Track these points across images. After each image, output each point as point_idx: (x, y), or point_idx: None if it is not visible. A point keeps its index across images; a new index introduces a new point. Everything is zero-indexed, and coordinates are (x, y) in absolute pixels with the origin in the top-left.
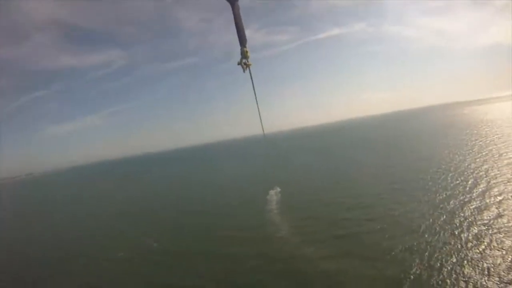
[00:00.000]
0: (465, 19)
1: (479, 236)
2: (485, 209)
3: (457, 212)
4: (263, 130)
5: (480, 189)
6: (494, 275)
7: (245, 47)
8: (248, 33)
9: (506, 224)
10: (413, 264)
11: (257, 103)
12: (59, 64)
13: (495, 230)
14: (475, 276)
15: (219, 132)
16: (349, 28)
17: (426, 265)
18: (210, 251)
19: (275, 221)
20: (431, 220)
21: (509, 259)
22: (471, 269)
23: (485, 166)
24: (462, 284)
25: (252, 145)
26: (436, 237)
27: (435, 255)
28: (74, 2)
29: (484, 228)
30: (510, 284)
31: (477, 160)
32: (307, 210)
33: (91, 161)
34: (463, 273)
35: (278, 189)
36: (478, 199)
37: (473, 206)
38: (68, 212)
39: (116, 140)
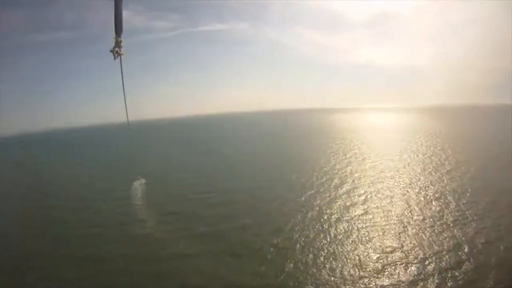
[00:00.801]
0: (344, 38)
1: (347, 231)
2: (351, 206)
3: (324, 209)
4: (128, 119)
5: (346, 188)
6: (365, 266)
7: (119, 37)
8: (127, 15)
9: (372, 220)
10: (282, 261)
11: (124, 93)
12: None
13: (362, 225)
14: (346, 267)
15: (79, 117)
16: (232, 26)
17: (296, 260)
18: (70, 253)
19: (141, 216)
20: (298, 217)
21: (378, 250)
22: (342, 261)
23: (350, 168)
24: (336, 275)
25: (115, 133)
26: (305, 233)
27: (305, 251)
28: None
29: (352, 223)
30: (379, 273)
31: (343, 162)
32: (172, 204)
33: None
34: (334, 266)
35: (143, 181)
36: (344, 197)
37: (340, 204)
38: None
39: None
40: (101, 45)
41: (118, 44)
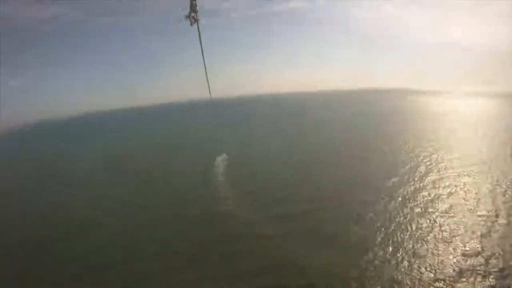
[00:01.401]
0: (428, 15)
1: (429, 226)
2: (435, 200)
3: (407, 200)
4: (210, 93)
5: (431, 178)
6: (442, 269)
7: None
8: None
9: (455, 217)
10: (360, 250)
11: (203, 61)
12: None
13: (444, 222)
14: (423, 267)
15: (166, 94)
16: (308, 3)
17: (374, 252)
18: (149, 225)
19: (222, 193)
20: (381, 205)
21: (458, 252)
22: (420, 260)
23: (436, 156)
24: (412, 274)
25: (198, 109)
26: (386, 223)
27: (384, 243)
28: None
29: (434, 218)
30: (455, 280)
31: (428, 149)
32: (253, 182)
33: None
34: (412, 263)
35: (225, 156)
36: (429, 188)
37: (424, 195)
38: None
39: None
40: (179, 25)
41: (193, 8)
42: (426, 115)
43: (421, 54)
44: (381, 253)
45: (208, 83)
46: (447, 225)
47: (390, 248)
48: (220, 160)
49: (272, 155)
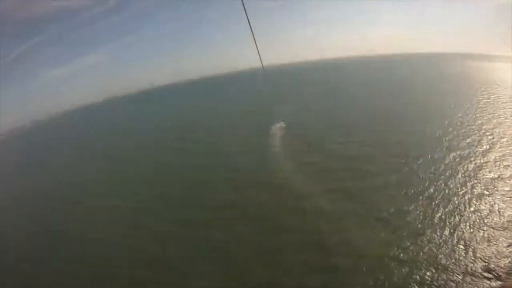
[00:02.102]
0: None
1: (489, 211)
2: (497, 180)
3: (467, 178)
4: (262, 62)
5: (493, 156)
6: (496, 263)
7: None
8: None
9: None
10: (414, 231)
11: (251, 29)
12: (51, 8)
13: (504, 206)
14: (475, 263)
15: (220, 64)
16: None
17: (428, 235)
18: (203, 197)
19: (277, 164)
20: (439, 183)
21: None
22: (473, 251)
23: (498, 130)
24: (460, 266)
25: (252, 79)
26: (443, 204)
27: (440, 227)
28: None
29: (495, 201)
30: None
31: (491, 121)
32: (309, 153)
33: (98, 99)
34: (463, 254)
35: (283, 124)
36: (491, 166)
37: (485, 174)
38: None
39: (120, 75)
40: None
41: None
42: (492, 83)
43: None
44: (435, 236)
45: (258, 53)
46: (507, 210)
47: (445, 231)
48: (277, 128)
49: (329, 123)
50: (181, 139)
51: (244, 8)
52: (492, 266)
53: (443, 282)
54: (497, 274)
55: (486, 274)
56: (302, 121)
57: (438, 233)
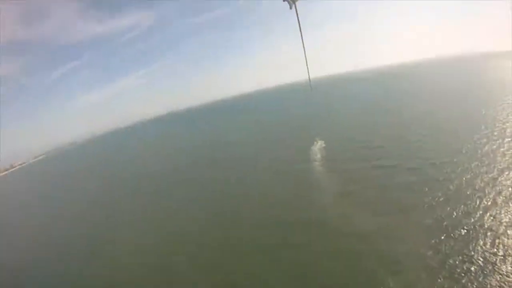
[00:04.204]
0: None
1: None
2: None
3: None
4: (309, 75)
5: None
6: None
7: None
8: None
9: None
10: (465, 244)
11: (302, 42)
12: (86, 34)
13: None
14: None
15: (260, 81)
16: None
17: (474, 246)
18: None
19: (319, 185)
20: (490, 196)
21: None
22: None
23: None
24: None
25: (296, 93)
26: (498, 216)
27: (488, 238)
28: None
29: None
30: None
31: None
32: (351, 176)
33: (133, 121)
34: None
35: (323, 144)
36: None
37: None
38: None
39: (154, 97)
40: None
41: None
42: None
43: None
44: (482, 251)
45: (307, 65)
46: None
47: (488, 242)
48: (317, 149)
49: (373, 142)
50: (214, 161)
51: (297, 13)
52: None
53: None
54: None
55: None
56: (344, 139)
57: (482, 253)
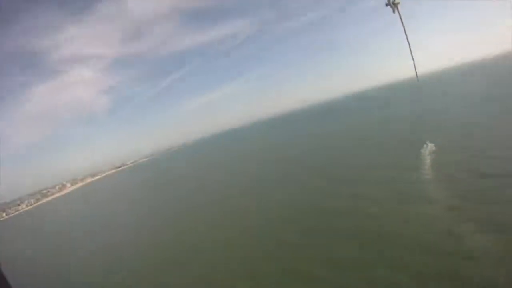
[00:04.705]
0: None
1: None
2: None
3: None
4: (416, 73)
5: None
6: None
7: None
8: None
9: None
10: None
11: (408, 44)
12: (187, 45)
13: None
14: None
15: (366, 79)
16: None
17: None
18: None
19: (426, 194)
20: None
21: None
22: None
23: None
24: None
25: (402, 92)
26: None
27: None
28: None
29: None
30: None
31: None
32: (463, 186)
33: (235, 125)
34: None
35: (433, 147)
36: None
37: None
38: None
39: (255, 104)
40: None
41: None
42: None
43: None
44: None
45: (413, 62)
46: None
47: None
48: (427, 153)
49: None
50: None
51: (400, 16)
52: None
53: None
54: None
55: None
56: (458, 143)
57: None
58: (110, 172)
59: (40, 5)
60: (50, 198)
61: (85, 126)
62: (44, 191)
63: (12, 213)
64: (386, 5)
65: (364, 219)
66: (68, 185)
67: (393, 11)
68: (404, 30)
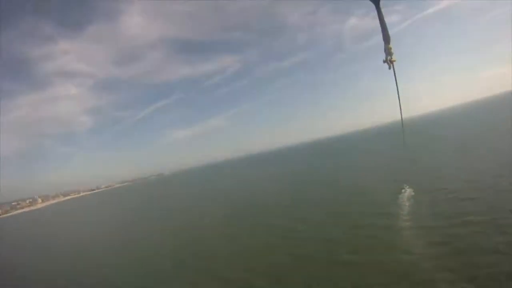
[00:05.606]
0: None
1: None
2: None
3: None
4: (402, 122)
5: None
6: None
7: (389, 44)
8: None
9: None
10: None
11: (398, 98)
12: (176, 75)
13: None
14: None
15: (346, 123)
16: None
17: None
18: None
19: (405, 240)
20: None
21: None
22: None
23: None
24: None
25: (383, 136)
26: None
27: None
28: (180, 20)
29: None
30: None
31: None
32: (445, 229)
33: (216, 160)
34: None
35: (412, 192)
36: None
37: None
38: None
39: (236, 140)
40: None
41: (389, 51)
42: None
43: None
44: None
45: (400, 105)
46: None
47: None
48: (406, 197)
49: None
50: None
51: (394, 72)
52: None
53: None
54: None
55: None
56: (434, 185)
57: None
58: (84, 194)
59: (36, 14)
60: (19, 211)
61: (64, 143)
62: (14, 203)
63: None
64: (384, 62)
65: (340, 268)
66: (40, 200)
67: (389, 68)
68: (396, 85)
